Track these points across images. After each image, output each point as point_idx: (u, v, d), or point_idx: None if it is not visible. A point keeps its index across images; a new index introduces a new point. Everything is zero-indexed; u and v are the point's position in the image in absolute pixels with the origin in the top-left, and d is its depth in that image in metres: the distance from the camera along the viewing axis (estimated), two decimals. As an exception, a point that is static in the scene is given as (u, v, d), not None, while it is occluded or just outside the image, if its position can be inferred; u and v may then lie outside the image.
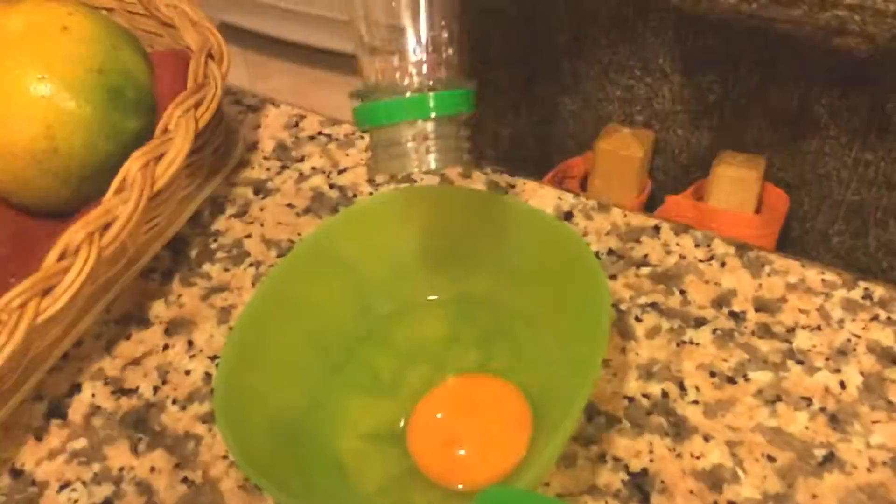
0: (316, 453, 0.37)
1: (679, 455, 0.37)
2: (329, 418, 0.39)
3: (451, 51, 0.32)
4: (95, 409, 0.42)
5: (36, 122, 0.43)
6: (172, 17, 0.49)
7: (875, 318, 0.41)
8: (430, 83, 0.31)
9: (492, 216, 0.39)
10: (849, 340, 0.40)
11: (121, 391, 0.42)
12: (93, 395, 0.42)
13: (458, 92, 0.32)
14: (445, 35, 0.32)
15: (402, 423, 0.38)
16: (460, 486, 0.36)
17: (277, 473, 0.34)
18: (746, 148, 0.55)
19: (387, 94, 0.31)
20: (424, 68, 0.31)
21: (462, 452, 0.37)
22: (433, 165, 0.32)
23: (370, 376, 0.41)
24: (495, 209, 0.40)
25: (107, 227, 0.39)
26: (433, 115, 0.31)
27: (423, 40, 0.32)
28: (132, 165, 0.41)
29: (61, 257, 0.38)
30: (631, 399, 0.39)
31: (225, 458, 0.39)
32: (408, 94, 0.31)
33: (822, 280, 0.43)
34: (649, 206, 0.59)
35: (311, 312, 0.41)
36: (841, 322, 0.41)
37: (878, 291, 0.42)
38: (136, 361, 0.44)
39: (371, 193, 0.51)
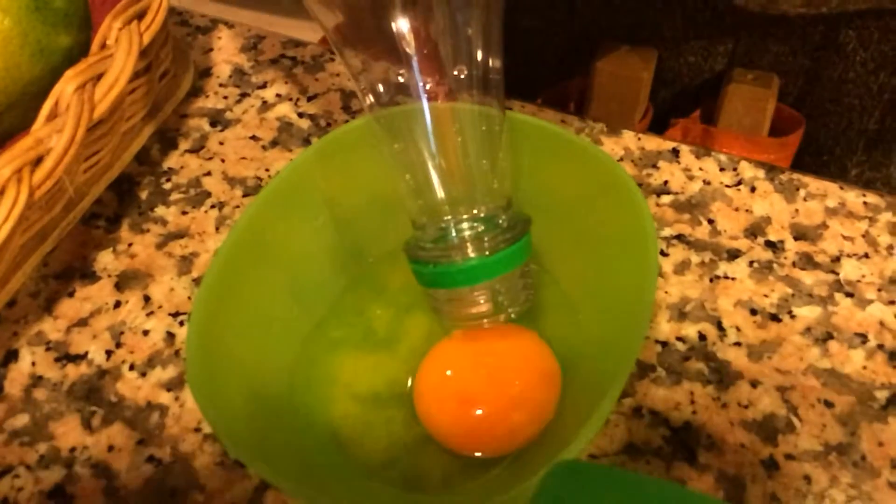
0: (306, 422, 0.32)
1: (725, 405, 0.33)
2: (318, 380, 0.33)
3: (496, 184, 0.31)
4: (37, 380, 0.35)
5: (-58, 38, 0.35)
6: (104, -86, 0.41)
7: (927, 243, 0.37)
8: (490, 243, 0.30)
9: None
10: (901, 269, 0.36)
11: (66, 357, 0.36)
12: (33, 364, 0.36)
13: (520, 244, 0.30)
14: (489, 169, 0.31)
15: (408, 384, 0.33)
16: (478, 454, 0.31)
17: (264, 449, 0.28)
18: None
19: (441, 245, 0.30)
20: (477, 212, 0.31)
21: (479, 412, 0.31)
22: (503, 319, 0.31)
23: (362, 329, 0.35)
24: (510, 129, 0.34)
25: (38, 161, 0.33)
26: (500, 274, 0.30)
27: (474, 190, 0.31)
28: (66, 87, 0.34)
29: (-17, 199, 0.31)
30: (664, 344, 0.34)
31: (198, 430, 0.33)
32: (471, 254, 0.30)
33: (865, 203, 0.39)
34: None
35: (290, 260, 0.34)
36: (890, 248, 0.37)
37: (927, 214, 0.38)
38: (82, 322, 0.37)
39: (348, 121, 0.44)
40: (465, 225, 0.30)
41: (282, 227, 0.34)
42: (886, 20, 0.46)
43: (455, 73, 0.30)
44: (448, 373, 0.32)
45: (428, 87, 0.30)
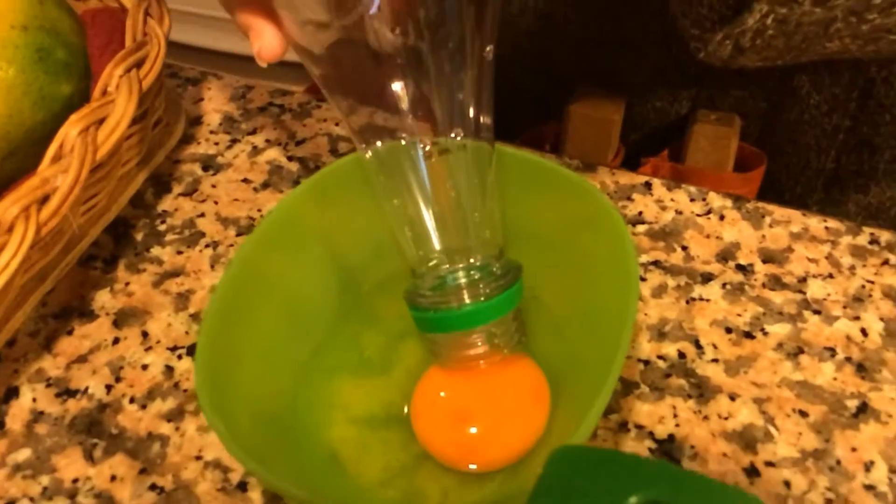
0: (307, 443, 0.33)
1: (706, 417, 0.34)
2: (316, 404, 0.34)
3: (489, 234, 0.33)
4: (38, 415, 0.36)
5: (-51, 87, 0.37)
6: (102, -28, 0.44)
7: (885, 262, 0.39)
8: (486, 289, 0.32)
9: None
10: (863, 287, 0.38)
11: (67, 392, 0.37)
12: (34, 400, 0.37)
13: (513, 289, 0.32)
14: (483, 220, 0.33)
15: (404, 408, 0.34)
16: (472, 466, 0.32)
17: (269, 466, 0.29)
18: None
19: (440, 292, 0.32)
20: (472, 260, 0.33)
21: (473, 431, 0.33)
22: (498, 359, 0.33)
23: (356, 356, 0.37)
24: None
25: (44, 200, 0.34)
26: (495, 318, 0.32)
27: (469, 240, 0.33)
28: (70, 130, 0.35)
29: (-8, 235, 0.32)
30: (646, 362, 0.36)
31: (199, 458, 0.34)
32: (469, 300, 0.32)
33: (826, 228, 0.41)
34: (622, 172, 0.56)
35: (286, 291, 0.36)
36: (852, 269, 0.39)
37: (885, 236, 0.40)
38: (81, 359, 0.38)
39: (335, 163, 0.46)
40: (461, 273, 0.32)
41: (277, 260, 0.36)
42: (837, 65, 0.49)
43: (452, 134, 0.32)
44: (442, 394, 0.34)
45: (426, 147, 0.32)
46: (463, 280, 0.32)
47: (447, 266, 0.33)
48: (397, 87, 0.31)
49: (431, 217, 0.33)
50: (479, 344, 0.32)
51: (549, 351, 0.35)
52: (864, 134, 0.52)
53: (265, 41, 0.33)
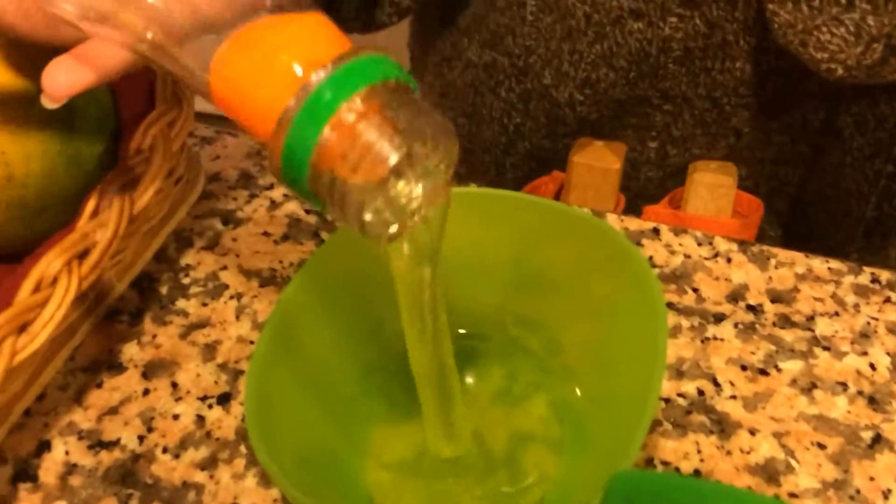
0: (346, 492, 0.34)
1: (728, 452, 0.35)
2: (352, 451, 0.35)
3: None
4: (71, 468, 0.36)
5: (-12, 147, 0.38)
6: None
7: (887, 300, 0.41)
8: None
9: (516, 217, 0.37)
10: (868, 323, 0.40)
11: (99, 444, 0.37)
12: (66, 452, 0.37)
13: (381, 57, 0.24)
14: None
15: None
16: None
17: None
18: (764, 164, 0.54)
19: None
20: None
21: None
22: (441, 184, 0.29)
23: (386, 404, 0.37)
24: (517, 208, 0.38)
25: (85, 254, 0.35)
26: None
27: None
28: (108, 187, 0.37)
29: (36, 289, 0.33)
30: (667, 400, 0.37)
31: (235, 505, 0.35)
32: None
33: (829, 268, 0.43)
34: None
35: (320, 345, 0.36)
36: (857, 307, 0.41)
37: (885, 275, 0.42)
38: (112, 410, 0.39)
39: (353, 216, 0.48)
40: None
41: (312, 312, 0.36)
42: (881, 106, 0.49)
43: None
44: None
45: None
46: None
47: None
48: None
49: None
50: (390, 145, 0.23)
51: (570, 397, 0.36)
52: None
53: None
